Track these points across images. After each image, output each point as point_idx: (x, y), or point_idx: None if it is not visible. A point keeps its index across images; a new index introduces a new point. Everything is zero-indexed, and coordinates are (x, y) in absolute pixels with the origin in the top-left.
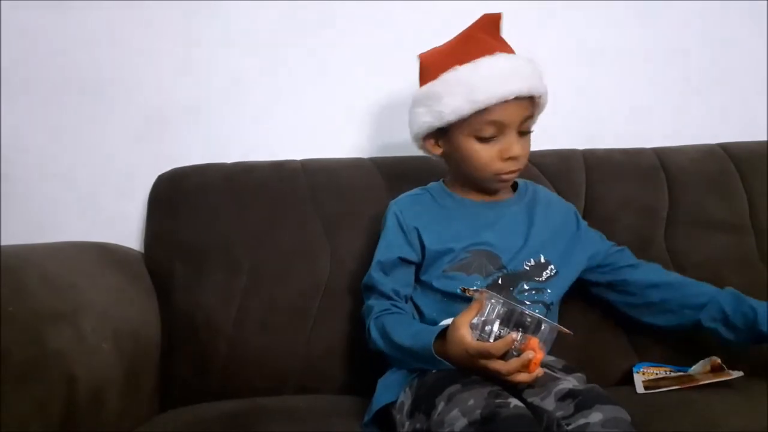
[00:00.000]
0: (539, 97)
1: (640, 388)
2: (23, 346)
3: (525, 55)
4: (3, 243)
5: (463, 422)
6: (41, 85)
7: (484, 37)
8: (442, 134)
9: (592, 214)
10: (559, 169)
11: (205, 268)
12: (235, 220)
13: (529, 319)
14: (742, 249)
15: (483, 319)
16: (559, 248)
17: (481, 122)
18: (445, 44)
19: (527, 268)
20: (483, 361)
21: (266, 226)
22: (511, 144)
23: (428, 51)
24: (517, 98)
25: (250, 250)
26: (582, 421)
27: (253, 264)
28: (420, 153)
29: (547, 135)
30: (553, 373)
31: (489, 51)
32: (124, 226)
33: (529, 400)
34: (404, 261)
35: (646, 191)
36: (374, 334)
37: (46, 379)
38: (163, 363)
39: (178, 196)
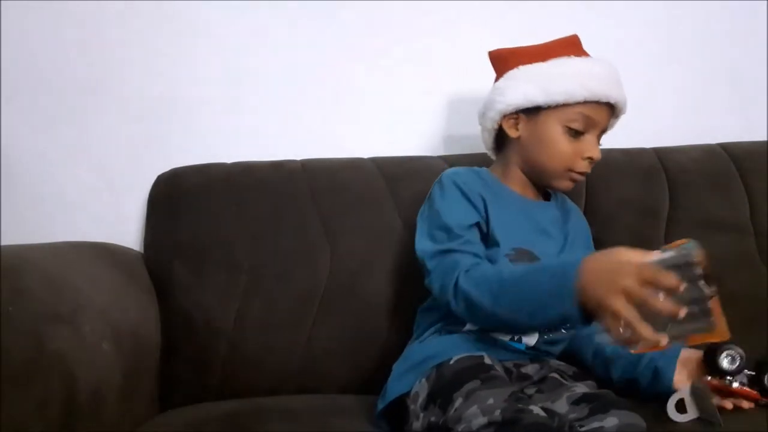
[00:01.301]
0: (615, 117)
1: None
2: (23, 346)
3: None
4: (3, 243)
5: (482, 420)
6: (41, 85)
7: (579, 46)
8: (527, 116)
9: (592, 214)
10: None
11: (205, 268)
12: (235, 220)
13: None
14: (742, 249)
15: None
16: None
17: (577, 113)
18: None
19: None
20: (639, 288)
21: (266, 226)
22: (594, 145)
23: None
24: (609, 104)
25: (250, 250)
26: (596, 424)
27: (253, 264)
28: (419, 153)
29: None
30: (561, 380)
31: (585, 56)
32: (124, 226)
33: (540, 405)
34: (475, 226)
35: (646, 191)
36: (467, 286)
37: (46, 379)
38: (163, 363)
39: (178, 196)
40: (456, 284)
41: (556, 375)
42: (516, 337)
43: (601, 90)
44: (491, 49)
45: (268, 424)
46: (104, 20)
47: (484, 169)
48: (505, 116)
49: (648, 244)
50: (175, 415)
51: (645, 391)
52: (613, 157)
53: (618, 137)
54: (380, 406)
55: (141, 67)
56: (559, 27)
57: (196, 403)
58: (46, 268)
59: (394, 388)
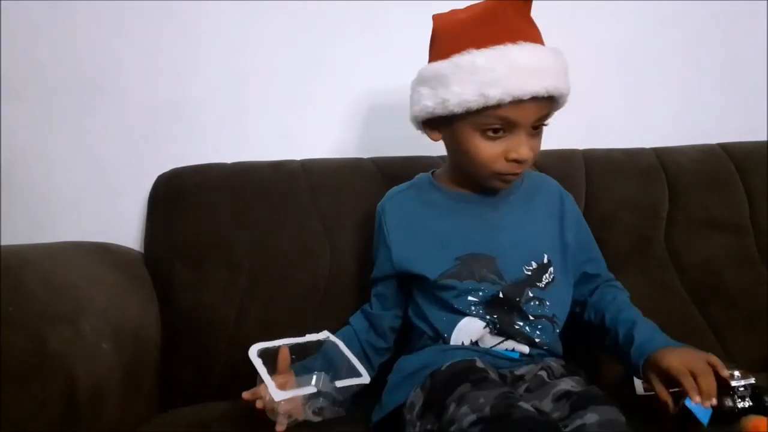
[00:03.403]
0: (561, 96)
1: (639, 390)
2: (23, 345)
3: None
4: (3, 243)
5: (472, 417)
6: (41, 85)
7: (511, 16)
8: (444, 121)
9: (592, 214)
10: (559, 169)
11: (205, 268)
12: (235, 220)
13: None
14: (742, 249)
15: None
16: (557, 246)
17: (490, 117)
18: (465, 11)
19: (528, 272)
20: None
21: (266, 226)
22: (519, 145)
23: (446, 15)
24: (535, 98)
25: (250, 250)
26: (578, 422)
27: (253, 264)
28: (420, 153)
29: (547, 135)
30: (546, 378)
31: (512, 38)
32: (124, 226)
33: (530, 403)
34: (387, 278)
35: (646, 191)
36: None
37: (46, 379)
38: (163, 363)
39: (178, 196)
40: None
41: (542, 373)
42: (511, 347)
43: (509, 89)
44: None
45: (268, 424)
46: (104, 20)
47: (425, 176)
48: (423, 122)
49: (648, 244)
50: (175, 415)
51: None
52: (613, 157)
53: (618, 137)
54: (376, 418)
55: (141, 67)
56: (558, 27)
57: (196, 403)
58: (46, 268)
59: (389, 399)
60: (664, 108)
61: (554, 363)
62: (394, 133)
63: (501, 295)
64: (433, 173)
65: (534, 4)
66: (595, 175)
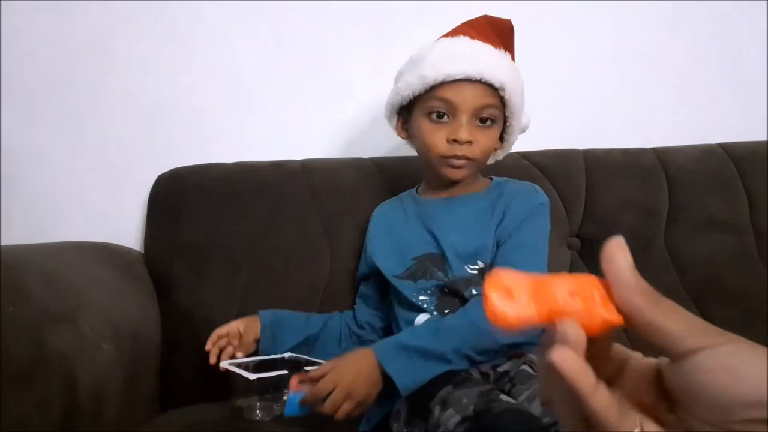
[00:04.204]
0: (501, 88)
1: None
2: (23, 346)
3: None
4: (3, 243)
5: (456, 418)
6: (41, 85)
7: (466, 29)
8: (406, 114)
9: (592, 214)
10: (559, 169)
11: (205, 268)
12: (235, 220)
13: None
14: (742, 249)
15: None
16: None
17: (432, 99)
18: None
19: (474, 271)
20: None
21: (266, 226)
22: (459, 127)
23: None
24: (470, 81)
25: (250, 249)
26: None
27: (253, 264)
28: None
29: (547, 135)
30: (531, 371)
31: (453, 35)
32: (124, 226)
33: (518, 400)
34: (365, 278)
35: (646, 191)
36: None
37: (46, 379)
38: (163, 363)
39: (178, 196)
40: None
41: (526, 367)
42: None
43: (441, 69)
44: None
45: (268, 425)
46: (105, 20)
47: (412, 190)
48: (396, 119)
49: (648, 244)
50: (176, 415)
51: None
52: (613, 157)
53: (618, 137)
54: (363, 428)
55: (141, 67)
56: (558, 27)
57: (196, 403)
58: (46, 268)
59: (376, 410)
60: (664, 108)
61: (535, 358)
62: (394, 133)
63: (446, 290)
64: (417, 189)
65: (534, 5)
66: (595, 175)
